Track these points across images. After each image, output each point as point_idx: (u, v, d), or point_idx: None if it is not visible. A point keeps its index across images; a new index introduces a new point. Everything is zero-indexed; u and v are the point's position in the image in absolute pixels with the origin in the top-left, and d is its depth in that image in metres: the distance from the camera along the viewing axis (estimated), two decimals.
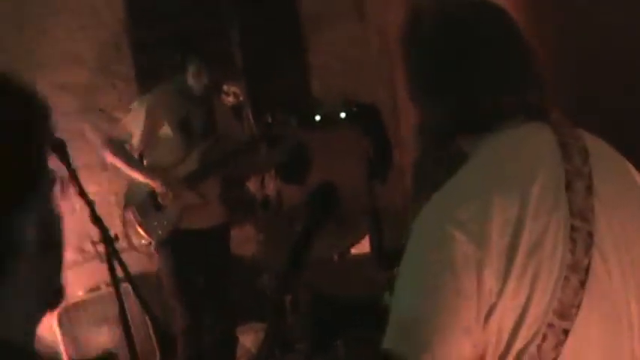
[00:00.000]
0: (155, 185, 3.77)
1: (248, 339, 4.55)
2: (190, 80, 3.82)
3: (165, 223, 3.79)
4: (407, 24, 1.53)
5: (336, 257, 4.00)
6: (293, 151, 4.09)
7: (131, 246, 3.87)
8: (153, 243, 3.85)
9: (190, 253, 3.84)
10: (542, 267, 1.31)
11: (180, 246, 3.81)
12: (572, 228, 1.34)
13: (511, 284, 1.29)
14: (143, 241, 3.90)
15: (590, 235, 1.35)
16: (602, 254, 1.35)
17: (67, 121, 4.14)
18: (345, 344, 3.03)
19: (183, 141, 3.82)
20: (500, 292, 1.29)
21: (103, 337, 4.36)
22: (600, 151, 1.46)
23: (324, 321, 3.18)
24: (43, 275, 1.01)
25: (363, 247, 4.40)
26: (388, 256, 4.40)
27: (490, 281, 1.29)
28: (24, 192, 0.96)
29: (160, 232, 3.80)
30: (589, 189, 1.38)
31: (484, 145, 1.44)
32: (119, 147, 3.80)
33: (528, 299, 1.30)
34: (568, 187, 1.37)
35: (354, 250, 4.34)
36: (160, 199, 3.80)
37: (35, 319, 1.02)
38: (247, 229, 4.89)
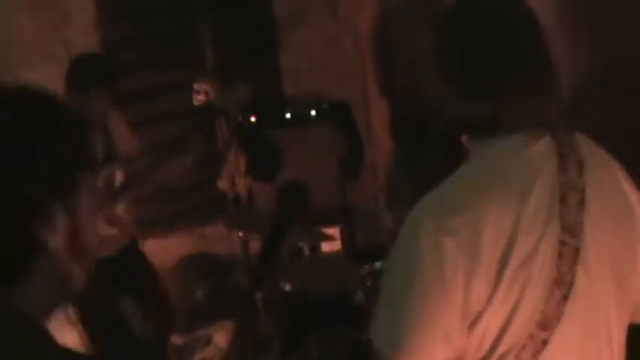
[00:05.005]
0: None
1: (221, 337, 4.54)
2: (88, 104, 3.45)
3: None
4: (446, 14, 1.51)
5: (307, 255, 4.00)
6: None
7: None
8: None
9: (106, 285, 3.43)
10: (530, 280, 1.32)
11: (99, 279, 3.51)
12: (561, 243, 1.35)
13: (499, 294, 1.31)
14: None
15: (577, 250, 1.36)
16: (586, 269, 1.37)
17: None
18: (317, 341, 3.03)
19: None
20: (489, 301, 1.31)
21: (73, 338, 4.32)
22: (594, 161, 1.46)
23: (296, 318, 3.18)
24: (64, 279, 1.07)
25: (335, 244, 4.41)
26: (360, 253, 4.42)
27: (478, 290, 1.31)
28: (52, 202, 1.03)
29: None
30: (581, 203, 1.38)
31: (484, 148, 1.43)
32: None
33: (514, 310, 1.32)
34: (562, 200, 1.37)
35: (326, 248, 4.35)
36: None
37: (48, 316, 1.08)
38: (218, 226, 4.88)
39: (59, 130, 1.07)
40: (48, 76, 3.86)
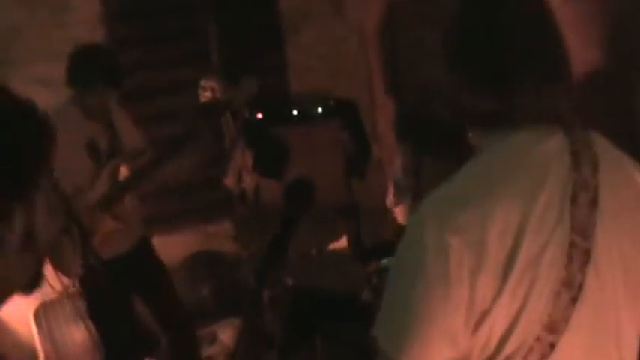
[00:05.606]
0: None
1: (226, 335, 4.55)
2: (92, 99, 3.46)
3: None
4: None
5: (314, 252, 4.00)
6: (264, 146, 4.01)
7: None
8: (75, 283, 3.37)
9: (118, 282, 3.37)
10: (537, 280, 1.30)
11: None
12: (571, 244, 1.32)
13: (506, 293, 1.29)
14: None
15: (588, 252, 1.33)
16: (597, 270, 1.34)
17: None
18: (323, 339, 3.04)
19: (92, 164, 3.50)
20: (495, 300, 1.29)
21: (80, 333, 4.34)
22: (609, 161, 1.42)
23: (302, 316, 3.18)
24: (16, 269, 1.09)
25: (341, 242, 4.41)
26: (366, 251, 4.41)
27: (484, 288, 1.28)
28: (11, 201, 1.04)
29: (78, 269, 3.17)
30: (593, 203, 1.35)
31: (494, 143, 1.40)
32: None
33: (520, 310, 1.29)
34: (573, 199, 1.34)
35: (331, 245, 4.34)
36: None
37: None
38: (224, 224, 4.88)
39: (23, 132, 1.07)
40: (52, 74, 3.87)
